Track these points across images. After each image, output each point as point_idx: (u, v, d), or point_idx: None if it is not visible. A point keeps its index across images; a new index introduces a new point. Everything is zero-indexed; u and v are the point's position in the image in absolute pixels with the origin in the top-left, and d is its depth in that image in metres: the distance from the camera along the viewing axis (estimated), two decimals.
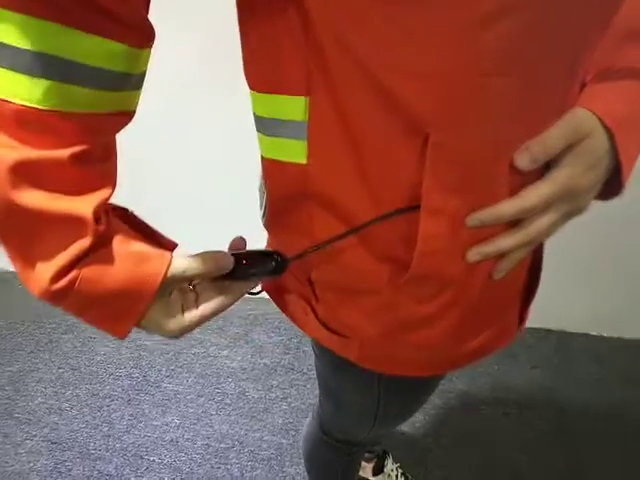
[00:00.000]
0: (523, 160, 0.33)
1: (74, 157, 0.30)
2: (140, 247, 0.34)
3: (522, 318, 0.50)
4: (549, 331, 1.45)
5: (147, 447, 1.17)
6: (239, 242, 0.41)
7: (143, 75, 0.34)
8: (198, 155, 1.36)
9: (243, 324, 1.50)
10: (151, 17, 0.32)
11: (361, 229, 0.37)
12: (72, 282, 0.31)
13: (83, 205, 0.30)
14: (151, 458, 1.15)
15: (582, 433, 1.18)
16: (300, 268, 0.44)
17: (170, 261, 0.34)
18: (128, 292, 0.33)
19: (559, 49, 0.30)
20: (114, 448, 1.16)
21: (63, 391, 1.30)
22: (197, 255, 0.36)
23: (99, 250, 0.32)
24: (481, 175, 0.34)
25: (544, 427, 1.20)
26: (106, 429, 1.20)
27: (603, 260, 1.31)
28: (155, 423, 1.22)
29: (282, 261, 0.39)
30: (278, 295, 0.50)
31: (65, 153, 0.29)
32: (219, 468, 1.13)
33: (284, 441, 1.18)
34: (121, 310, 0.33)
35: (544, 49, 0.30)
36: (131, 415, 1.24)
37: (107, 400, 1.27)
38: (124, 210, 0.37)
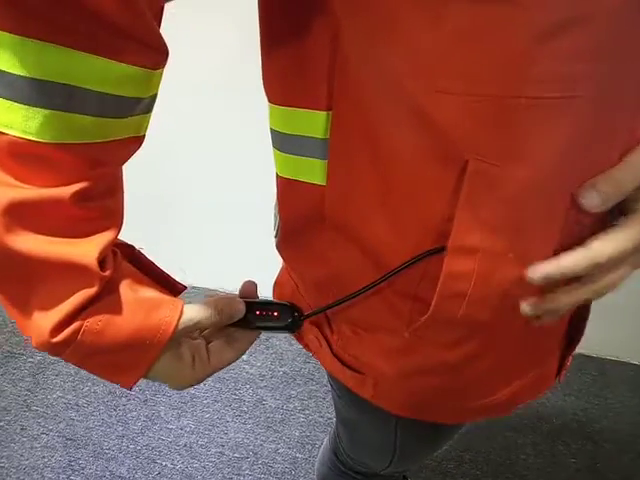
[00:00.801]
0: (593, 200, 0.28)
1: (76, 195, 0.26)
2: (150, 293, 0.31)
3: (561, 367, 0.45)
4: (588, 357, 1.36)
5: (160, 451, 1.15)
6: (250, 286, 0.38)
7: (154, 98, 0.30)
8: (217, 161, 1.35)
9: None
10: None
11: (388, 278, 0.33)
12: (75, 334, 0.28)
13: (87, 250, 0.27)
14: (163, 463, 1.13)
15: (617, 472, 1.10)
16: (317, 295, 0.41)
17: (182, 310, 0.31)
18: (136, 343, 0.30)
19: (628, 68, 0.26)
20: (127, 449, 1.15)
21: (81, 386, 1.30)
22: (209, 302, 0.33)
23: (105, 298, 0.29)
24: (530, 212, 0.29)
25: (575, 462, 1.12)
26: (121, 429, 1.19)
27: None
28: (170, 426, 1.20)
29: (299, 317, 0.37)
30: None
31: (66, 191, 0.26)
32: (231, 479, 1.10)
33: (299, 455, 1.14)
34: (127, 362, 0.31)
35: (610, 68, 0.25)
36: (146, 416, 1.22)
37: (124, 399, 1.26)
38: (131, 248, 0.34)
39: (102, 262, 0.28)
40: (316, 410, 1.24)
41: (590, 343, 1.32)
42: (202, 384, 1.44)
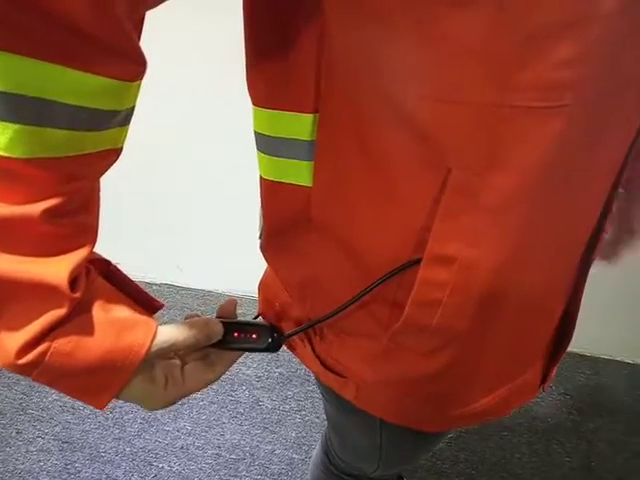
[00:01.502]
0: None
1: (47, 212, 0.25)
2: (123, 313, 0.30)
3: (546, 377, 0.45)
4: (582, 356, 1.37)
5: (157, 453, 1.15)
6: (229, 306, 0.38)
7: (132, 110, 0.29)
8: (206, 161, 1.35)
9: None
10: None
11: (371, 290, 0.33)
12: (42, 355, 0.27)
13: (57, 270, 0.26)
14: (160, 465, 1.13)
15: (611, 471, 1.10)
16: (299, 297, 0.41)
17: (155, 331, 0.30)
18: (107, 365, 0.29)
19: (617, 75, 0.26)
20: (124, 452, 1.15)
21: None
22: (185, 324, 0.33)
23: (75, 319, 0.27)
24: (511, 222, 0.29)
25: (570, 461, 1.12)
26: (117, 431, 1.19)
27: None
28: (166, 428, 1.20)
29: (278, 338, 0.36)
30: (275, 320, 0.46)
31: (36, 208, 0.24)
32: None
33: (296, 456, 1.14)
34: (98, 384, 0.30)
35: (599, 76, 0.25)
36: (143, 419, 1.22)
37: (120, 401, 1.26)
38: (106, 263, 0.32)
39: (73, 281, 0.27)
40: (312, 411, 1.24)
41: (584, 342, 1.34)
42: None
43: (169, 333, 0.32)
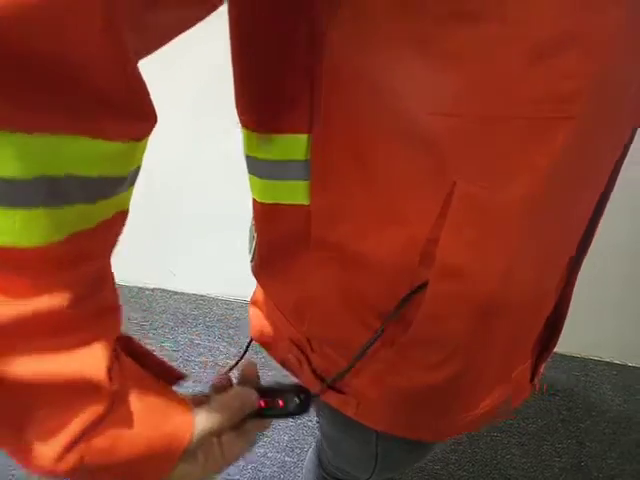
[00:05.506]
0: None
1: (68, 299, 0.22)
2: (157, 399, 0.28)
3: (534, 373, 0.45)
4: (571, 357, 1.38)
5: None
6: (250, 369, 0.36)
7: (139, 169, 0.26)
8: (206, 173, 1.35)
9: None
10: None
11: (389, 320, 0.32)
12: (81, 457, 0.24)
13: (94, 362, 0.23)
14: None
15: (602, 471, 1.11)
16: (295, 317, 0.39)
17: (194, 421, 0.29)
18: (148, 457, 0.27)
19: (622, 86, 0.26)
20: None
21: None
22: (220, 404, 0.31)
23: (112, 412, 0.25)
24: (517, 233, 0.29)
25: (561, 462, 1.13)
26: None
27: (631, 286, 1.25)
28: None
29: (306, 399, 0.35)
30: (270, 341, 0.45)
31: (57, 298, 0.21)
32: None
33: (288, 459, 1.14)
34: (139, 474, 0.28)
35: (604, 87, 0.25)
36: None
37: None
38: (127, 339, 0.30)
39: (110, 373, 0.24)
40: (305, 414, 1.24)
41: (573, 343, 1.35)
42: (191, 389, 1.42)
43: (206, 421, 0.30)
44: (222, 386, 0.34)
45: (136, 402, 0.26)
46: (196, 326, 1.44)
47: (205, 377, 1.33)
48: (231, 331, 1.47)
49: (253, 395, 0.33)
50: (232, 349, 1.42)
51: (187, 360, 1.38)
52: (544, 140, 0.26)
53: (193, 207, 1.39)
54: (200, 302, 1.49)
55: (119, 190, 0.24)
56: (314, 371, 0.41)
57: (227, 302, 1.49)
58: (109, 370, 0.24)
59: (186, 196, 1.38)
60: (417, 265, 0.31)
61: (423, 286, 0.31)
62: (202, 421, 0.29)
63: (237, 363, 0.41)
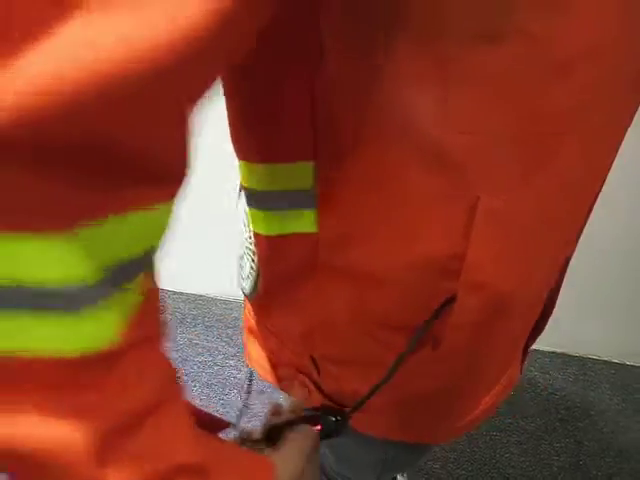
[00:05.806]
0: None
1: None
2: (243, 455, 0.28)
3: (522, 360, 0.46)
4: (569, 356, 1.38)
5: None
6: (298, 404, 0.36)
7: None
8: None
9: None
10: None
11: (419, 335, 0.32)
12: None
13: (192, 450, 0.22)
14: None
15: (600, 470, 1.12)
16: (303, 344, 0.39)
17: (276, 473, 0.28)
18: None
19: (626, 94, 0.27)
20: None
21: None
22: (291, 450, 0.30)
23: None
24: (538, 243, 0.30)
25: (559, 461, 1.13)
26: None
27: (629, 286, 1.26)
28: None
29: (343, 419, 0.35)
30: (270, 368, 0.45)
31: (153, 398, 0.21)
32: None
33: None
34: None
35: (613, 97, 0.26)
36: None
37: None
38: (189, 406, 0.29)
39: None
40: None
41: (572, 342, 1.35)
42: (190, 389, 1.42)
43: (287, 466, 0.29)
44: (277, 414, 0.34)
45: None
46: (195, 326, 1.44)
47: (204, 377, 1.33)
48: (230, 331, 1.47)
49: (312, 431, 0.32)
50: (231, 349, 1.42)
51: (186, 360, 1.38)
52: (562, 150, 0.26)
53: (192, 207, 1.39)
54: (199, 302, 1.49)
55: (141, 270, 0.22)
56: (323, 392, 0.41)
57: (226, 302, 1.49)
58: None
59: (185, 196, 1.38)
60: (437, 280, 0.31)
61: (451, 300, 0.31)
62: (283, 469, 0.28)
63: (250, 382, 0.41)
